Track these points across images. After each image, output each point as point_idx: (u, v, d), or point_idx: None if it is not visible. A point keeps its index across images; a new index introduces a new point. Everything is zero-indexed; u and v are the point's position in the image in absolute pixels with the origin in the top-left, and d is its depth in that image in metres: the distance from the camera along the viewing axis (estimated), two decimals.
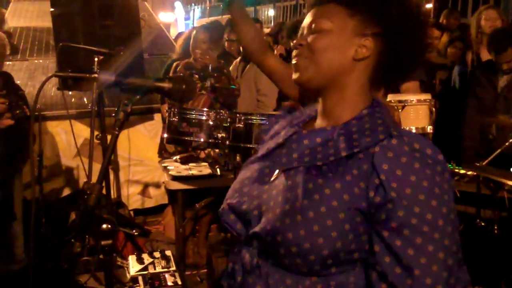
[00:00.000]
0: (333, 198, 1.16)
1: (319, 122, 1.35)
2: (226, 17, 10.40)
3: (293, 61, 1.33)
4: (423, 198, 1.09)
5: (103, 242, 1.49)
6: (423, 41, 1.30)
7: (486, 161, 3.62)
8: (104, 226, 1.46)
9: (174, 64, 4.69)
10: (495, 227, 3.51)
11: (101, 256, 1.54)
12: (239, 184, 1.40)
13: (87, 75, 1.50)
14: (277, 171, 1.32)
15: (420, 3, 1.32)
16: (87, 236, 1.50)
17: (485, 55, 4.47)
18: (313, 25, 1.30)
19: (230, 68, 5.31)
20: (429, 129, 3.37)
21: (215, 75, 3.98)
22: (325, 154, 1.22)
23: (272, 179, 1.32)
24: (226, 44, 5.97)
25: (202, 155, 4.18)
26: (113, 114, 1.43)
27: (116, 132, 1.44)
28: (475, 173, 3.63)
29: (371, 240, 1.15)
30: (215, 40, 4.62)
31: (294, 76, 1.32)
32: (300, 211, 1.18)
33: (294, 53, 1.33)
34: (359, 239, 1.16)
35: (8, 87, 3.55)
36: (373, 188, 1.13)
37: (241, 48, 5.30)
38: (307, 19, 1.33)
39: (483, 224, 3.63)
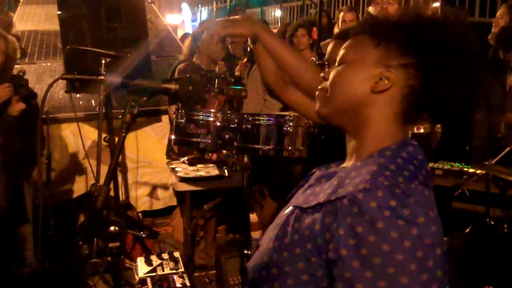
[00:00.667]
0: (297, 245, 1.12)
1: (345, 164, 1.28)
2: (233, 18, 10.39)
3: (316, 93, 1.30)
4: (379, 263, 0.98)
5: (111, 244, 1.50)
6: (472, 81, 1.15)
7: (495, 159, 3.60)
8: (112, 228, 1.46)
9: (180, 65, 4.70)
10: (505, 226, 3.49)
11: (109, 258, 1.54)
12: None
13: (94, 77, 1.50)
14: (287, 210, 1.27)
15: (470, 31, 1.17)
16: (95, 239, 1.50)
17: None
18: (338, 57, 1.26)
19: (236, 69, 5.32)
20: (437, 128, 3.36)
21: (222, 76, 3.98)
22: (316, 197, 1.16)
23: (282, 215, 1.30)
24: (230, 46, 6.01)
25: (214, 157, 4.19)
26: (120, 116, 1.44)
27: (123, 134, 1.45)
28: (484, 172, 3.61)
29: None
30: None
31: (315, 108, 1.29)
32: (269, 252, 1.18)
33: (319, 86, 1.30)
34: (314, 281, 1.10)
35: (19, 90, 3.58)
36: (333, 241, 1.04)
37: (248, 49, 5.30)
38: (340, 51, 1.28)
39: (492, 223, 3.61)
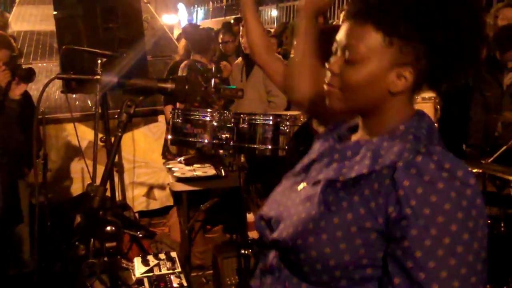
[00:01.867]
0: (348, 211, 1.13)
1: (359, 135, 1.29)
2: (229, 18, 10.39)
3: (325, 87, 1.25)
4: (442, 220, 1.03)
5: (107, 244, 1.49)
6: (478, 51, 1.19)
7: (492, 158, 3.60)
8: (108, 228, 1.46)
9: (182, 64, 4.72)
10: (502, 225, 3.49)
11: (105, 259, 1.53)
12: (273, 196, 1.40)
13: (90, 77, 1.49)
14: (305, 183, 1.30)
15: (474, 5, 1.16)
16: (91, 239, 1.49)
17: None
18: (347, 52, 1.18)
19: (234, 68, 5.32)
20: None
21: (218, 75, 3.98)
22: (349, 170, 1.17)
23: (299, 189, 1.31)
24: (221, 46, 6.06)
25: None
26: (116, 116, 1.43)
27: (119, 134, 1.44)
28: (480, 171, 3.61)
29: (386, 258, 1.10)
30: None
31: (327, 102, 1.26)
32: (313, 221, 1.17)
33: (326, 78, 1.25)
34: (373, 255, 1.12)
35: None
36: (392, 203, 1.07)
37: (243, 50, 5.30)
38: (342, 36, 1.21)
39: (489, 222, 3.61)
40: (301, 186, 1.30)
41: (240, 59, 5.42)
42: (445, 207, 1.03)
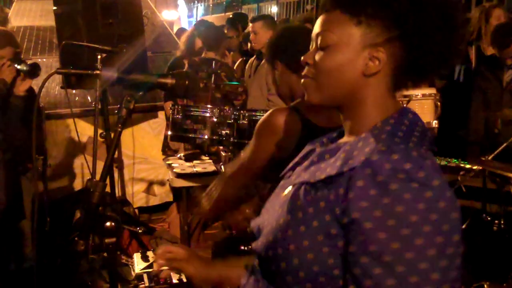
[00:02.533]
0: (314, 218, 1.08)
1: (343, 139, 1.25)
2: (229, 14, 10.38)
3: (302, 80, 1.24)
4: (392, 223, 0.96)
5: (107, 240, 1.49)
6: (454, 32, 1.12)
7: (492, 155, 3.60)
8: (108, 224, 1.46)
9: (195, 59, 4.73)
10: (502, 222, 3.50)
11: (105, 254, 1.53)
12: (265, 205, 1.36)
13: (90, 71, 1.49)
14: (289, 187, 1.25)
15: None
16: (91, 234, 1.49)
17: (489, 50, 4.47)
18: (319, 39, 1.18)
19: (238, 65, 5.33)
20: (434, 123, 3.37)
21: (218, 71, 3.98)
22: (322, 172, 1.13)
23: (283, 195, 1.26)
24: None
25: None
26: (116, 111, 1.43)
27: (119, 129, 1.44)
28: (481, 168, 3.61)
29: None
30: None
31: (305, 96, 1.24)
32: (281, 230, 1.13)
33: (304, 71, 1.24)
34: (343, 265, 1.05)
35: None
36: (342, 207, 1.03)
37: (253, 46, 5.30)
38: (315, 28, 1.21)
39: (489, 218, 3.62)
40: (286, 191, 1.25)
41: (254, 57, 5.42)
42: (396, 210, 0.96)
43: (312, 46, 1.23)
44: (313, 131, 2.06)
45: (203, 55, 4.79)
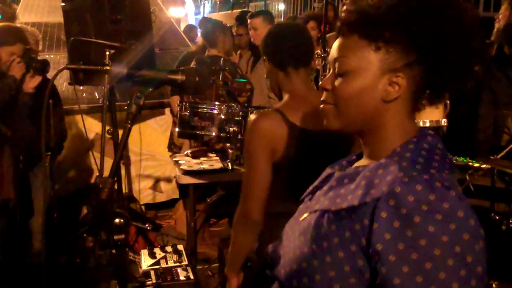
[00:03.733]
0: (339, 249, 1.08)
1: (361, 161, 1.25)
2: (236, 11, 10.38)
3: (321, 106, 1.23)
4: (416, 257, 0.96)
5: (115, 237, 1.48)
6: (472, 50, 1.11)
7: (501, 154, 3.58)
8: (117, 220, 1.45)
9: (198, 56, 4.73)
10: (510, 221, 3.47)
11: (113, 251, 1.52)
12: (284, 230, 1.34)
13: (99, 67, 1.48)
14: (307, 213, 1.24)
15: (463, 6, 1.12)
16: (99, 231, 1.49)
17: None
18: (337, 65, 1.18)
19: (243, 59, 5.32)
20: (444, 122, 3.35)
21: (227, 68, 3.98)
22: (343, 199, 1.12)
23: (301, 219, 1.25)
24: (235, 38, 6.03)
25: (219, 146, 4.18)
26: (126, 107, 1.42)
27: (129, 125, 1.43)
28: (489, 166, 3.59)
29: None
30: None
31: (324, 122, 1.23)
32: (306, 259, 1.12)
33: (322, 97, 1.23)
34: None
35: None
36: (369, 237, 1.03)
37: (251, 42, 5.30)
38: (333, 53, 1.21)
39: (497, 218, 3.59)
40: (304, 215, 1.25)
41: (250, 54, 5.41)
42: (420, 243, 0.96)
43: (330, 71, 1.23)
44: (299, 133, 2.09)
45: (206, 53, 4.78)
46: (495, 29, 4.69)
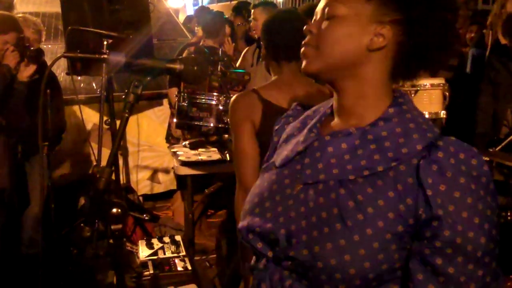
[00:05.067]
0: (378, 218, 1.07)
1: (337, 122, 1.23)
2: (235, 2, 10.33)
3: (301, 49, 1.22)
4: (466, 215, 1.03)
5: (113, 227, 1.47)
6: (451, 30, 1.16)
7: (500, 146, 3.57)
8: (114, 210, 1.44)
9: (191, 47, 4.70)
10: (509, 214, 3.46)
11: (111, 241, 1.51)
12: (258, 198, 1.27)
13: (97, 55, 1.46)
14: (300, 183, 1.20)
15: None
16: (96, 221, 1.47)
17: (503, 41, 4.39)
18: (326, 10, 1.18)
19: (245, 53, 5.29)
20: (443, 114, 3.34)
21: (225, 59, 3.96)
22: (356, 166, 1.12)
23: (295, 192, 1.20)
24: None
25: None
26: (123, 97, 1.40)
27: (126, 115, 1.41)
28: (488, 159, 3.58)
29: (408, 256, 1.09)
30: None
31: (302, 65, 1.22)
32: (343, 234, 1.08)
33: (304, 40, 1.22)
34: (403, 257, 1.09)
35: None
36: (422, 204, 1.06)
37: (253, 33, 5.27)
38: (321, 2, 1.22)
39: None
40: (298, 187, 1.20)
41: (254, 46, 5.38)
42: (467, 202, 1.03)
43: (317, 17, 1.22)
44: (273, 110, 2.18)
45: (201, 42, 4.76)
46: (491, 16, 4.64)
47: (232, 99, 2.30)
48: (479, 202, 1.04)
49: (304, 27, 1.24)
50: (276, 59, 2.33)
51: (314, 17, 1.24)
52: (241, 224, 1.28)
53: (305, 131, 1.28)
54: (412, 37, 1.14)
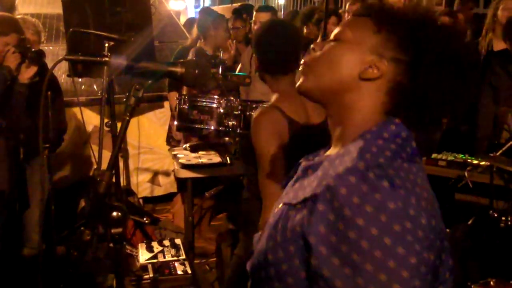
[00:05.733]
0: (292, 243, 1.08)
1: (329, 151, 1.24)
2: (236, 5, 10.34)
3: (301, 66, 1.24)
4: (345, 250, 0.97)
5: (113, 230, 1.47)
6: (461, 88, 1.13)
7: (500, 151, 3.57)
8: (115, 213, 1.44)
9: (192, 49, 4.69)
10: (509, 219, 3.46)
11: (111, 245, 1.51)
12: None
13: (99, 58, 1.46)
14: (280, 204, 1.23)
15: (465, 36, 1.17)
16: (97, 224, 1.47)
17: (498, 45, 4.40)
18: (334, 33, 1.21)
19: (244, 56, 5.28)
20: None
21: (226, 62, 3.96)
22: (303, 191, 1.13)
23: (275, 211, 1.24)
24: (231, 32, 6.01)
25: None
26: (124, 100, 1.41)
27: (127, 118, 1.41)
28: (488, 164, 3.57)
29: None
30: None
31: (299, 81, 1.23)
32: (271, 251, 1.13)
33: (305, 58, 1.25)
34: None
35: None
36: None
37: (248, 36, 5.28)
38: (339, 25, 1.25)
39: (496, 215, 3.58)
40: (280, 206, 1.24)
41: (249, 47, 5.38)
42: (349, 236, 0.97)
43: (329, 37, 1.25)
44: (297, 127, 2.16)
45: (198, 44, 4.75)
46: (488, 21, 4.64)
47: (258, 116, 2.19)
48: (364, 240, 0.96)
49: (311, 45, 1.25)
50: (271, 73, 2.33)
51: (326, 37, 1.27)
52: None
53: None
54: (413, 81, 1.12)
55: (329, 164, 1.11)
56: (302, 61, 1.24)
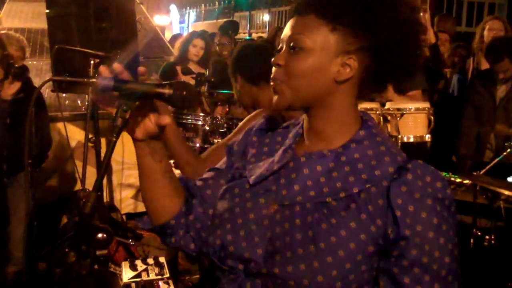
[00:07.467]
0: (350, 240, 1.11)
1: (308, 143, 1.25)
2: (221, 21, 10.40)
3: (271, 83, 1.23)
4: (432, 235, 1.09)
5: (98, 252, 1.45)
6: (416, 50, 1.21)
7: (483, 170, 3.61)
8: (100, 235, 1.42)
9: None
10: (492, 237, 3.49)
11: (96, 266, 1.49)
12: (228, 213, 1.28)
13: (85, 80, 1.46)
14: (275, 204, 1.22)
15: (414, 5, 1.21)
16: (81, 244, 1.46)
17: (485, 65, 4.46)
18: (292, 43, 1.19)
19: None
20: (427, 137, 3.37)
21: (212, 79, 3.96)
22: (332, 188, 1.16)
23: (271, 213, 1.22)
24: (217, 48, 6.07)
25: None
26: (109, 118, 1.39)
27: (114, 139, 1.40)
28: (472, 182, 3.61)
29: (377, 274, 1.15)
30: None
31: (273, 100, 1.23)
32: (316, 256, 1.11)
33: (272, 74, 1.23)
34: (372, 276, 1.15)
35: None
36: (390, 224, 1.11)
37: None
38: (287, 31, 1.22)
39: (479, 233, 3.61)
40: (274, 208, 1.22)
41: None
42: (433, 222, 1.09)
43: (283, 48, 1.23)
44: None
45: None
46: (476, 41, 4.72)
47: (257, 113, 2.34)
48: (443, 223, 1.10)
49: (272, 59, 1.24)
50: (256, 82, 2.45)
51: (280, 46, 1.24)
52: (212, 238, 1.29)
53: (280, 151, 1.29)
54: (378, 62, 1.17)
55: (347, 158, 1.18)
56: (271, 78, 1.23)
